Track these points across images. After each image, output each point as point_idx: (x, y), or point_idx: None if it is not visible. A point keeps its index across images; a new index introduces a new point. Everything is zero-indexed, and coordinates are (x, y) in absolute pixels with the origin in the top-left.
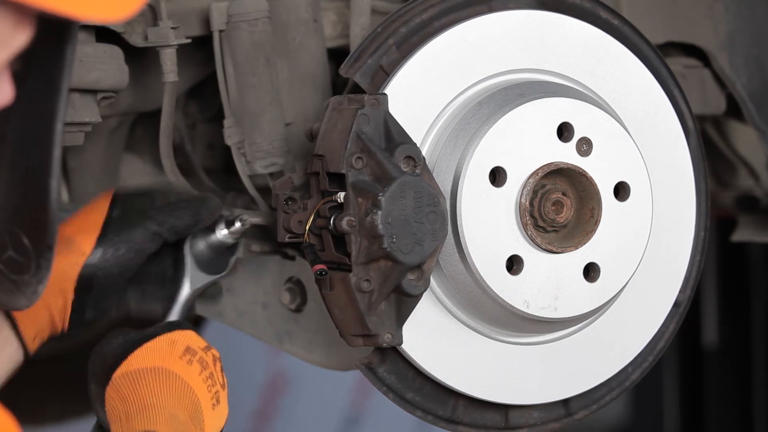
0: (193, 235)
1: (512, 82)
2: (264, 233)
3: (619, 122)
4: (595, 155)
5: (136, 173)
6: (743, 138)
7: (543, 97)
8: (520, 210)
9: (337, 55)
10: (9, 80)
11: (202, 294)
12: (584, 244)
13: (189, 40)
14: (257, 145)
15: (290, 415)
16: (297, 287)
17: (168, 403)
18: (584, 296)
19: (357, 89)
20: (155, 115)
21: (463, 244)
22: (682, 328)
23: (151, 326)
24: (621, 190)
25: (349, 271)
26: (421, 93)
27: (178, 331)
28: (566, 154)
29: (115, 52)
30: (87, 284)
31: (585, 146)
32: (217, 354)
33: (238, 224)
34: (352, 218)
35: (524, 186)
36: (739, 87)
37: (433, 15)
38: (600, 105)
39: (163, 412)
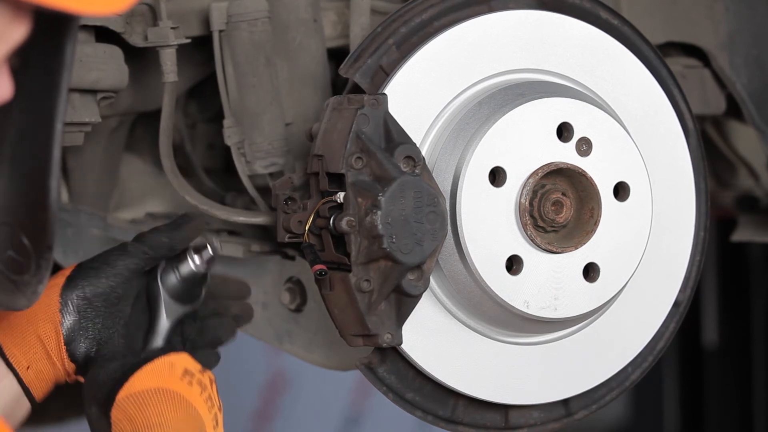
0: (163, 269)
1: (512, 82)
2: (264, 233)
3: (619, 122)
4: (594, 155)
5: (136, 173)
6: (743, 138)
7: (543, 97)
8: (520, 210)
9: (337, 55)
10: (8, 76)
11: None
12: (584, 244)
13: (189, 40)
14: (257, 145)
15: (290, 415)
16: (297, 287)
17: (175, 423)
18: (584, 296)
19: (357, 89)
20: (155, 115)
21: (462, 244)
22: (682, 328)
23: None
24: (621, 190)
25: (349, 271)
26: (420, 93)
27: (173, 354)
28: (566, 154)
29: (115, 52)
30: (71, 304)
31: (585, 146)
32: (212, 376)
33: (208, 251)
34: (352, 218)
35: (524, 186)
36: (739, 87)
37: (433, 15)
38: (600, 105)
39: None
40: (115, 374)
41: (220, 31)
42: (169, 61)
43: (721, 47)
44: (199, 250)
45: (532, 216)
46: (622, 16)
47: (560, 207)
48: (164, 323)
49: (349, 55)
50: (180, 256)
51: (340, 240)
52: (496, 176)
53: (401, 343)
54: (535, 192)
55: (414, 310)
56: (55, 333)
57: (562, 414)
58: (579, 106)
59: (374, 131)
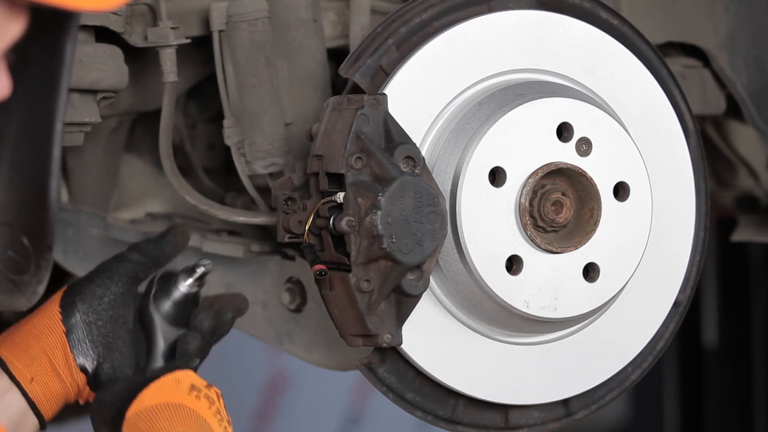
0: (155, 295)
1: (512, 82)
2: (264, 233)
3: (618, 122)
4: (594, 155)
5: (136, 173)
6: (743, 138)
7: (543, 97)
8: (520, 210)
9: (337, 55)
10: (6, 72)
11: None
12: (584, 244)
13: (189, 40)
14: (257, 145)
15: (290, 415)
16: (297, 287)
17: None
18: (584, 296)
19: (357, 89)
20: (155, 115)
21: (462, 244)
22: (682, 328)
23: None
24: (621, 190)
25: (349, 271)
26: (420, 93)
27: (178, 371)
28: (566, 154)
29: (115, 52)
30: (72, 312)
31: (585, 146)
32: (218, 391)
33: (199, 270)
34: (352, 218)
35: (524, 186)
36: (739, 87)
37: (433, 15)
38: (600, 105)
39: None
40: (122, 393)
41: (220, 31)
42: (169, 61)
43: (721, 47)
44: (188, 271)
45: (532, 216)
46: (622, 16)
47: (560, 207)
48: (161, 347)
49: (349, 55)
50: (171, 281)
51: (340, 240)
52: (496, 176)
53: (401, 343)
54: (535, 192)
55: (414, 310)
56: (61, 344)
57: (562, 414)
58: (579, 106)
59: (374, 131)
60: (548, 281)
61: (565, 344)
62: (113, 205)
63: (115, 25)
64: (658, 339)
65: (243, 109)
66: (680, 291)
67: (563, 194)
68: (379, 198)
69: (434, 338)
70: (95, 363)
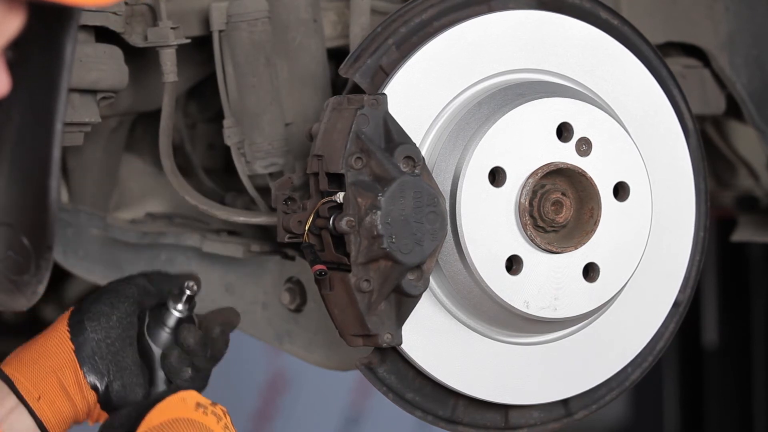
0: (148, 327)
1: (512, 82)
2: (264, 233)
3: (618, 122)
4: (594, 155)
5: (136, 173)
6: (743, 138)
7: (543, 97)
8: (520, 210)
9: (337, 55)
10: (5, 69)
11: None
12: (584, 244)
13: (189, 40)
14: (257, 145)
15: (290, 415)
16: (297, 287)
17: None
18: (584, 296)
19: (357, 89)
20: (155, 115)
21: (462, 244)
22: (682, 328)
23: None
24: (620, 190)
25: (349, 271)
26: (420, 93)
27: (182, 391)
28: (566, 154)
29: (115, 52)
30: (80, 329)
31: (584, 146)
32: (224, 408)
33: (186, 293)
34: (352, 218)
35: (524, 186)
36: (739, 87)
37: (433, 15)
38: (600, 105)
39: None
40: (130, 416)
41: (220, 31)
42: (169, 61)
43: (721, 47)
44: (175, 297)
45: (531, 216)
46: (622, 16)
47: (560, 207)
48: (162, 376)
49: (349, 55)
50: (161, 311)
51: (339, 240)
52: (496, 176)
53: (401, 343)
54: (534, 192)
55: (414, 310)
56: (70, 362)
57: (562, 414)
58: (579, 106)
59: (374, 131)
60: (548, 281)
61: (565, 344)
62: (113, 205)
63: (115, 25)
64: (658, 339)
65: (243, 109)
66: (680, 291)
67: (563, 194)
68: (379, 198)
69: (434, 338)
70: (106, 381)
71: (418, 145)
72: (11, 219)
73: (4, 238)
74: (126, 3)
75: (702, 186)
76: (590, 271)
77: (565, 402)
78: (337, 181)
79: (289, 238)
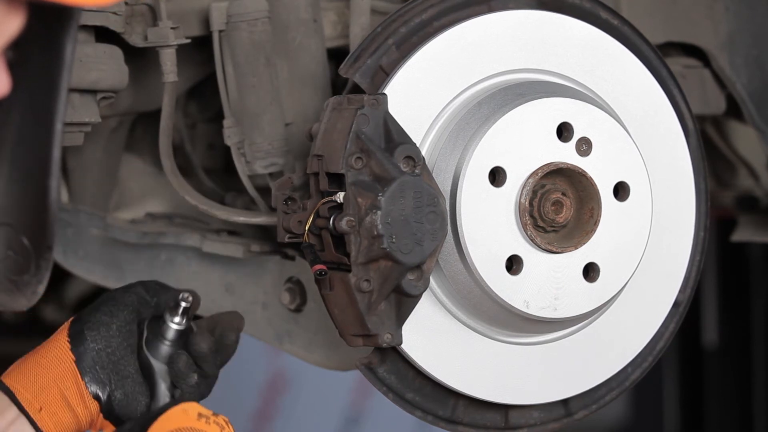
0: (147, 341)
1: (512, 82)
2: (264, 233)
3: (619, 122)
4: (594, 155)
5: (136, 173)
6: (743, 138)
7: (543, 97)
8: (520, 210)
9: (337, 55)
10: (5, 69)
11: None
12: (584, 244)
13: (189, 40)
14: (257, 145)
15: (290, 415)
16: (297, 287)
17: None
18: (584, 296)
19: (357, 89)
20: (155, 115)
21: (462, 244)
22: (682, 328)
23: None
24: (621, 190)
25: (349, 271)
26: (420, 93)
27: (184, 402)
28: (566, 154)
29: (115, 52)
30: (80, 339)
31: (585, 146)
32: (226, 418)
33: (182, 305)
34: (352, 218)
35: (524, 186)
36: (739, 87)
37: (433, 15)
38: (600, 105)
39: None
40: (133, 430)
41: (220, 31)
42: (169, 61)
43: (721, 47)
44: (172, 309)
45: (532, 216)
46: (622, 16)
47: (560, 207)
48: (163, 389)
49: (349, 55)
50: (159, 323)
51: (340, 240)
52: (496, 176)
53: (401, 343)
54: (535, 192)
55: (414, 310)
56: (71, 372)
57: (562, 414)
58: (579, 106)
59: (374, 131)
60: (548, 281)
61: (565, 344)
62: (113, 205)
63: (115, 25)
64: (658, 339)
65: (243, 109)
66: (680, 291)
67: (563, 194)
68: (379, 198)
69: (434, 338)
70: (108, 390)
71: (418, 145)
72: (11, 219)
73: (4, 238)
74: (126, 3)
75: (702, 186)
76: (590, 271)
77: (565, 402)
78: (337, 181)
79: (289, 238)
